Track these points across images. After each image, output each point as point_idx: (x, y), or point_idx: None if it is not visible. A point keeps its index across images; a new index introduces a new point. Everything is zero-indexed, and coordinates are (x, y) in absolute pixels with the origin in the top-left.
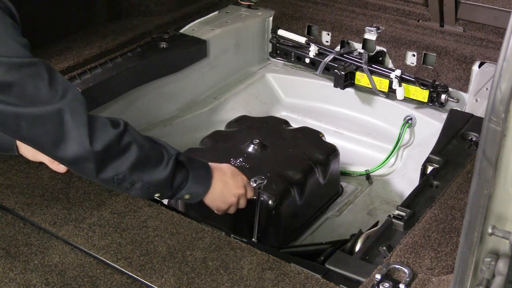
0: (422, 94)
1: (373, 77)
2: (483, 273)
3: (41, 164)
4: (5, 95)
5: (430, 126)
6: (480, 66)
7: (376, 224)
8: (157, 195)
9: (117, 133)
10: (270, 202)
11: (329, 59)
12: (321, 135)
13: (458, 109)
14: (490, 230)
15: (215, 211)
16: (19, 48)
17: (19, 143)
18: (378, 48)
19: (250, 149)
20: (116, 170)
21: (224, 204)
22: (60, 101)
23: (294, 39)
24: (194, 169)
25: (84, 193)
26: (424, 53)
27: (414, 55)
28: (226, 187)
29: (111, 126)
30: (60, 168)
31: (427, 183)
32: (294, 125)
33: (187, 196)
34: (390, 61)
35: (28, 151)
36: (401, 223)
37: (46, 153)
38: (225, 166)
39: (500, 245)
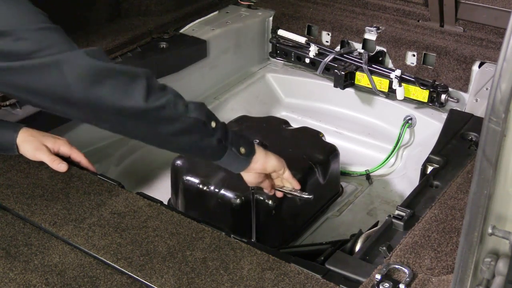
0: (422, 94)
1: (373, 77)
2: (483, 273)
3: (41, 164)
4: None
5: (430, 126)
6: (480, 66)
7: (376, 224)
8: (213, 124)
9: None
10: (270, 202)
11: (329, 59)
12: (321, 135)
13: (458, 109)
14: (490, 230)
15: (255, 180)
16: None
17: (19, 142)
18: (378, 48)
19: None
20: (166, 96)
21: (281, 163)
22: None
23: (294, 39)
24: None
25: (84, 193)
26: (424, 53)
27: (414, 55)
28: (268, 154)
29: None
30: (61, 167)
31: (427, 183)
32: (294, 125)
33: (242, 150)
34: (390, 61)
35: (28, 151)
36: (401, 223)
37: None
38: None
39: (500, 245)
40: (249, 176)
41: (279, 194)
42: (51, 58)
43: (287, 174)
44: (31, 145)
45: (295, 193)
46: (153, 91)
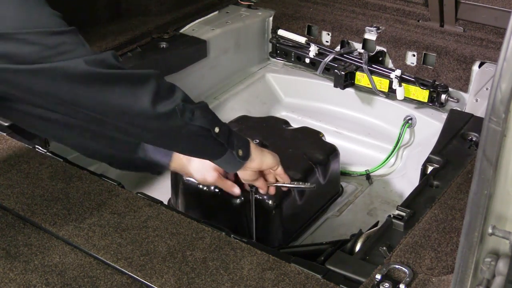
0: (422, 94)
1: (373, 77)
2: (483, 273)
3: (41, 164)
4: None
5: (430, 126)
6: (480, 66)
7: (376, 224)
8: (217, 129)
9: (158, 73)
10: (270, 202)
11: (329, 59)
12: (321, 135)
13: (458, 109)
14: (490, 230)
15: (250, 178)
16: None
17: (185, 161)
18: (378, 48)
19: None
20: (174, 102)
21: (276, 160)
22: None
23: (294, 39)
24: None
25: (84, 193)
26: (424, 53)
27: (414, 55)
28: (263, 152)
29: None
30: (236, 190)
31: (427, 183)
32: (294, 125)
33: (240, 152)
34: (390, 61)
35: (197, 171)
36: (401, 223)
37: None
38: None
39: (500, 245)
40: (245, 174)
41: (273, 190)
42: (61, 64)
43: (279, 170)
44: (201, 164)
45: (298, 186)
46: (161, 97)
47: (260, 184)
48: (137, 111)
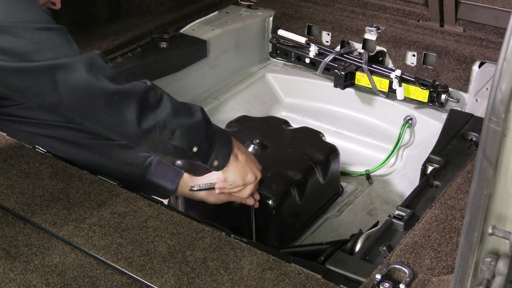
0: (422, 94)
1: (373, 77)
2: (483, 273)
3: (42, 164)
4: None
5: (430, 126)
6: (480, 66)
7: (376, 224)
8: (195, 149)
9: (149, 86)
10: (270, 202)
11: (329, 59)
12: (321, 135)
13: (458, 109)
14: (490, 230)
15: (224, 191)
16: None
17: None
18: (378, 48)
19: (250, 149)
20: (155, 119)
21: (242, 180)
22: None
23: (294, 39)
24: (218, 129)
25: (84, 193)
26: (424, 53)
27: (414, 55)
28: (248, 162)
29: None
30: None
31: (427, 183)
32: (294, 125)
33: (215, 163)
34: (390, 61)
35: (208, 195)
36: (401, 223)
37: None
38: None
39: (500, 245)
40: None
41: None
42: (45, 63)
43: (247, 192)
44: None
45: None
46: (145, 114)
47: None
48: (120, 127)
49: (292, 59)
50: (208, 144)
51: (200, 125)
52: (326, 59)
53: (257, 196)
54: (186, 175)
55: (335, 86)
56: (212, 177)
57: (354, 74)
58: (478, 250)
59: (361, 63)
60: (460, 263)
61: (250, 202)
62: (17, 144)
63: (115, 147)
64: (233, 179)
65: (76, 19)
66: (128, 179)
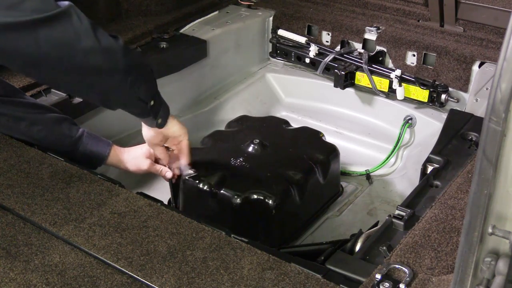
0: (422, 94)
1: (373, 77)
2: (483, 273)
3: (42, 164)
4: None
5: (430, 126)
6: (480, 66)
7: (376, 224)
8: (152, 102)
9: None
10: (270, 202)
11: (329, 59)
12: (321, 135)
13: (458, 109)
14: (490, 230)
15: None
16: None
17: (118, 152)
18: (378, 48)
19: (250, 149)
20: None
21: (183, 129)
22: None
23: (294, 39)
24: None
25: (85, 193)
26: (424, 53)
27: (414, 55)
28: (177, 122)
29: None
30: (168, 174)
31: (427, 183)
32: (294, 125)
33: (159, 121)
34: (390, 61)
35: (129, 161)
36: (401, 223)
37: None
38: None
39: (500, 244)
40: (152, 137)
41: (169, 175)
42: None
43: (184, 144)
44: (134, 154)
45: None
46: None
47: (159, 151)
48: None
49: (292, 59)
50: (159, 100)
51: (154, 81)
52: (326, 59)
53: (177, 171)
54: (115, 147)
55: (335, 86)
56: (137, 149)
57: (354, 74)
58: (478, 250)
59: (361, 63)
60: (460, 263)
61: (169, 175)
62: (17, 143)
63: (51, 120)
64: (176, 130)
65: None
66: (64, 149)
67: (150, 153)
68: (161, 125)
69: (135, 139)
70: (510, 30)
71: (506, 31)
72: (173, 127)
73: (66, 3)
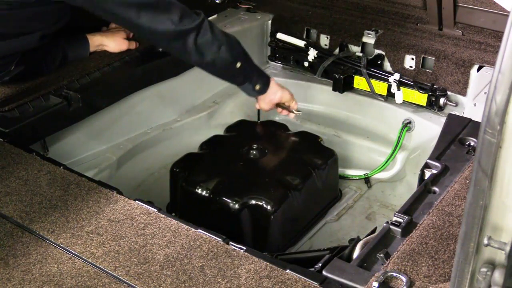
0: (420, 98)
1: (372, 80)
2: (479, 283)
3: (40, 171)
4: None
5: (429, 129)
6: (478, 69)
7: (374, 231)
8: (238, 64)
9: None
10: (268, 207)
11: (328, 63)
12: (319, 139)
13: (457, 112)
14: (486, 241)
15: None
16: None
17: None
18: (376, 51)
19: (249, 154)
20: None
21: (288, 93)
22: None
23: (293, 43)
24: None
25: (83, 200)
26: (423, 57)
27: (412, 59)
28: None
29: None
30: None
31: (425, 189)
32: (293, 129)
33: (257, 87)
34: (388, 64)
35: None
36: (399, 229)
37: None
38: None
39: (496, 255)
40: (262, 104)
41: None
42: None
43: (293, 104)
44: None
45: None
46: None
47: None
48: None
49: (291, 63)
50: (249, 64)
51: (239, 45)
52: (324, 63)
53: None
54: (93, 38)
55: (334, 89)
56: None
57: (353, 77)
58: (474, 261)
59: (359, 66)
60: (456, 273)
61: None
62: (16, 150)
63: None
64: (287, 97)
65: (76, 21)
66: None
67: (127, 34)
68: (260, 91)
69: (135, 144)
70: (505, 43)
71: (501, 43)
72: (285, 95)
73: (198, 11)
